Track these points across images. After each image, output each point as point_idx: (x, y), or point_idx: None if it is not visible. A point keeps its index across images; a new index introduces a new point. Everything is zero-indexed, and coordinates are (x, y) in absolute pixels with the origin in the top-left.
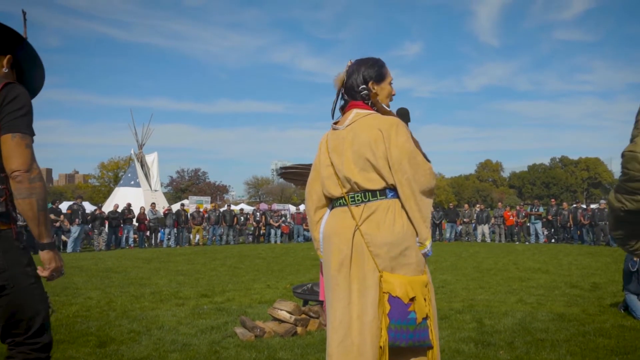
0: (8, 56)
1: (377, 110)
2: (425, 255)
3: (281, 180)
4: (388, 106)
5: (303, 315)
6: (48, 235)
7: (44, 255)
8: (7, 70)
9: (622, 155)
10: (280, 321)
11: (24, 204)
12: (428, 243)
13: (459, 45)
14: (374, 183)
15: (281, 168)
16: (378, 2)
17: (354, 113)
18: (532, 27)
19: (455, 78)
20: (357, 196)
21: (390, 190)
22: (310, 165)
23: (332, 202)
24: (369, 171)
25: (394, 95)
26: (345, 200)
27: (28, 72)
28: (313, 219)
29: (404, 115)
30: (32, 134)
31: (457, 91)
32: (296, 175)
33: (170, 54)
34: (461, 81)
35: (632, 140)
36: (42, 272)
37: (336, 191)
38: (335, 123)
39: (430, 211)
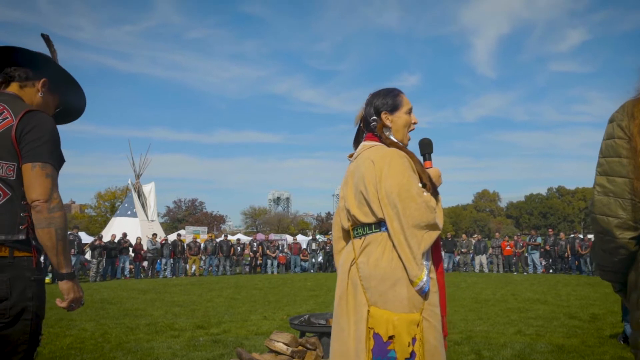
0: (43, 80)
1: (383, 142)
2: (420, 292)
3: (278, 210)
4: (406, 136)
5: (300, 347)
6: (67, 265)
7: (62, 285)
8: (42, 95)
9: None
10: (277, 353)
11: (43, 233)
12: (419, 281)
13: (456, 77)
14: (368, 216)
15: None
16: (377, 35)
17: (362, 145)
18: (528, 59)
19: (452, 109)
20: (359, 229)
21: (384, 224)
22: None
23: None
24: (364, 204)
25: (414, 123)
26: (351, 233)
27: (63, 93)
28: (335, 248)
29: (426, 145)
30: (55, 161)
31: (455, 122)
32: None
33: (170, 84)
34: (459, 112)
35: (594, 186)
36: (61, 303)
37: (346, 224)
38: (351, 156)
39: (427, 246)
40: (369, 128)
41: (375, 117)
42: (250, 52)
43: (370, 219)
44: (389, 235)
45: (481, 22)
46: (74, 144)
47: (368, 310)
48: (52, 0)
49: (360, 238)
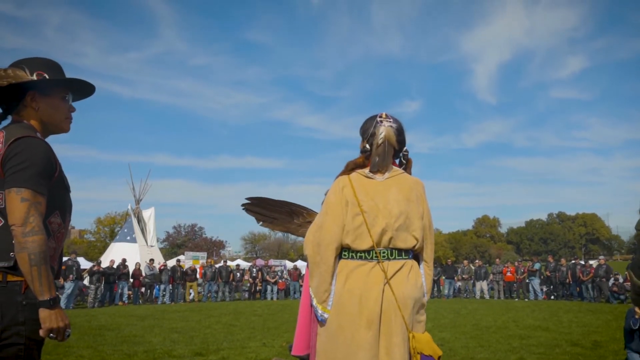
0: (28, 94)
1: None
2: None
3: (278, 235)
4: None
5: None
6: (45, 291)
7: (40, 313)
8: (38, 108)
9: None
10: None
11: (18, 258)
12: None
13: (457, 103)
14: (406, 242)
15: (248, 198)
16: (378, 62)
17: (392, 169)
18: (528, 86)
19: (453, 134)
20: (384, 252)
21: (411, 252)
22: (281, 202)
23: (347, 252)
24: (405, 230)
25: None
26: (374, 254)
27: (50, 86)
28: (332, 268)
29: None
30: (35, 186)
31: (455, 147)
32: (266, 210)
33: (173, 110)
34: (459, 138)
35: None
36: (40, 332)
37: (365, 243)
38: (373, 172)
39: None
40: (397, 153)
41: (406, 149)
42: (252, 79)
43: (405, 245)
44: (415, 260)
45: (482, 49)
46: (74, 169)
47: (413, 336)
48: (59, 28)
49: (384, 262)
